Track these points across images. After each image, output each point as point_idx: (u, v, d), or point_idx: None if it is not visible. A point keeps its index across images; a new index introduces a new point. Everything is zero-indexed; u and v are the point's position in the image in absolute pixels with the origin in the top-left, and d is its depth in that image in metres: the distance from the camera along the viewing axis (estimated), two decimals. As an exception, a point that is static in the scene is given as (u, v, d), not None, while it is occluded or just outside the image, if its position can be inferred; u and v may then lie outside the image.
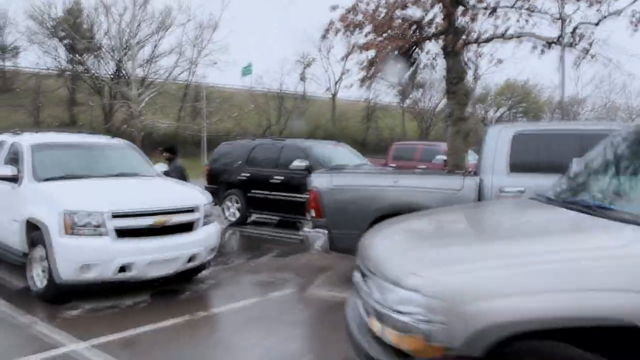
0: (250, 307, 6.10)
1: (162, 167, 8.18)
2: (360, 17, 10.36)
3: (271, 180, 11.29)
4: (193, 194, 6.91)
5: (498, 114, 53.49)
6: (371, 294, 2.90)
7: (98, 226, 5.79)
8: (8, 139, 7.52)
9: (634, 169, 3.27)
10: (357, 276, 3.36)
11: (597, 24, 10.09)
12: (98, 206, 5.84)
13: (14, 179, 6.56)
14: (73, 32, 28.98)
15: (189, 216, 6.46)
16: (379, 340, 2.79)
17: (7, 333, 5.18)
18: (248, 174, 11.82)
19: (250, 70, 47.75)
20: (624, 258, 2.45)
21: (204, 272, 7.22)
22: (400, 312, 2.61)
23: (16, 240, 6.52)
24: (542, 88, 57.52)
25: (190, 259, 6.42)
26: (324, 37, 10.73)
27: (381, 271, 2.88)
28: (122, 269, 5.86)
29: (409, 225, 3.90)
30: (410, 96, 54.30)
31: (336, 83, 53.38)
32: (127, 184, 6.92)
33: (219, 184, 12.22)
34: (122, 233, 5.90)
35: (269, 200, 11.32)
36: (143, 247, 5.98)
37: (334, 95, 53.38)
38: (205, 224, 6.69)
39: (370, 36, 10.62)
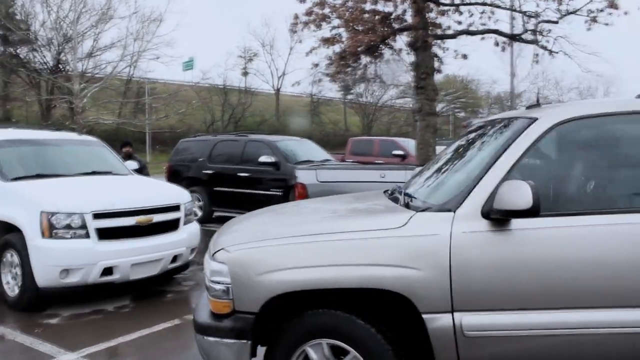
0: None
1: (132, 164, 7.83)
2: (327, 10, 10.23)
3: (236, 177, 11.04)
4: (174, 191, 6.65)
5: (438, 108, 54.54)
6: (205, 270, 3.34)
7: (79, 227, 5.46)
8: (-35, 135, 7.00)
9: (444, 164, 3.80)
10: None
11: (557, 22, 10.35)
12: (78, 206, 5.50)
13: (-20, 179, 6.09)
14: (6, 23, 27.42)
15: (171, 214, 6.20)
16: (210, 310, 3.23)
17: (-14, 345, 4.80)
18: (211, 171, 11.52)
19: (192, 65, 46.90)
20: (379, 239, 2.90)
21: (181, 273, 6.95)
22: (213, 282, 3.09)
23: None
24: (480, 83, 59.27)
25: (173, 260, 6.17)
26: (292, 31, 10.56)
27: (210, 248, 3.34)
28: (105, 271, 5.56)
29: (251, 213, 4.20)
30: (352, 91, 54.82)
31: (279, 78, 53.23)
32: (103, 183, 6.56)
33: (180, 181, 11.82)
34: (104, 234, 5.59)
35: (234, 196, 11.07)
36: (126, 248, 5.69)
37: (278, 90, 53.17)
38: (186, 222, 6.45)
39: (338, 30, 10.54)
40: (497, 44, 10.94)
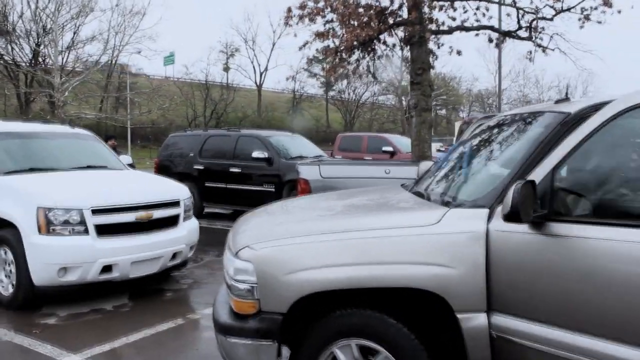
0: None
1: (127, 158, 7.62)
2: (321, 4, 10.09)
3: (228, 172, 10.88)
4: (173, 186, 6.47)
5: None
6: (225, 266, 3.21)
7: (78, 224, 5.25)
8: (-49, 127, 6.73)
9: (468, 159, 3.67)
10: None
11: (551, 19, 10.35)
12: (77, 202, 5.30)
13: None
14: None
15: (171, 210, 6.03)
16: (230, 308, 3.11)
17: (-17, 347, 4.58)
18: (202, 166, 11.34)
19: (173, 60, 46.44)
20: (414, 236, 2.80)
21: (179, 271, 6.78)
22: (237, 281, 2.94)
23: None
24: (461, 81, 59.57)
25: (173, 257, 6.00)
26: (286, 24, 10.40)
27: (231, 245, 3.20)
28: (105, 269, 5.37)
29: (267, 208, 4.10)
30: (334, 87, 54.78)
31: (262, 74, 52.89)
32: (100, 177, 6.36)
33: (169, 177, 11.61)
34: (103, 230, 5.40)
35: (226, 192, 10.91)
36: (126, 246, 5.51)
37: (260, 85, 52.86)
38: (185, 219, 6.28)
39: (332, 24, 10.41)
40: (490, 40, 10.92)
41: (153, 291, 6.20)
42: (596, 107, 2.81)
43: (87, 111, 25.21)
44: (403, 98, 51.80)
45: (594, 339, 2.42)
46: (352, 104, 55.55)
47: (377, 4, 9.96)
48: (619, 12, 10.37)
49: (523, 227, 2.62)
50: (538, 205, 2.58)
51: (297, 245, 2.94)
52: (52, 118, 22.08)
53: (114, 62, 33.34)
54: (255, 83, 53.03)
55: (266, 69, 52.63)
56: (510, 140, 3.43)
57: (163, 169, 11.97)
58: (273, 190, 10.24)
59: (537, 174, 2.66)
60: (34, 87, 28.52)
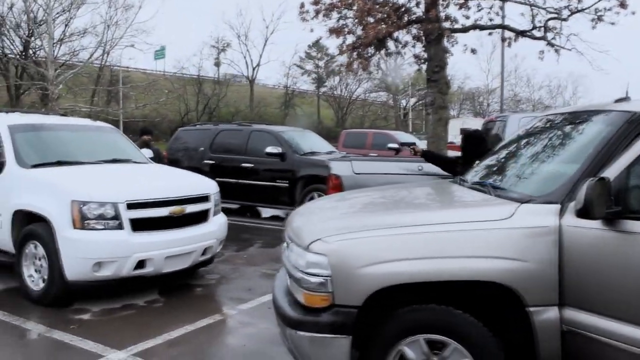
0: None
1: (148, 152, 7.49)
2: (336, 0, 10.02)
3: (240, 167, 10.77)
4: (202, 181, 6.35)
5: (411, 103, 54.38)
6: (290, 259, 3.20)
7: (112, 218, 5.14)
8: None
9: (526, 156, 3.73)
10: (283, 246, 3.59)
11: (566, 19, 10.37)
12: (111, 196, 5.18)
13: (-5, 165, 5.69)
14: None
15: (202, 205, 5.92)
16: (295, 301, 3.08)
17: (27, 342, 4.48)
18: (213, 161, 11.21)
19: (164, 54, 45.99)
20: (487, 230, 2.84)
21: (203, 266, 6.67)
22: (309, 274, 2.91)
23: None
24: (453, 79, 59.62)
25: (203, 252, 5.91)
26: (302, 20, 10.31)
27: (297, 239, 3.19)
28: (139, 264, 5.26)
29: (328, 200, 4.19)
30: (326, 84, 54.67)
31: (254, 69, 52.56)
32: (129, 171, 6.24)
33: (178, 171, 11.53)
34: (137, 225, 5.29)
35: (238, 187, 10.77)
36: (160, 240, 5.40)
37: (252, 80, 52.55)
38: (214, 213, 6.18)
39: (346, 21, 10.35)
40: (503, 39, 10.91)
41: (181, 286, 6.09)
42: None
43: (82, 104, 24.86)
44: (397, 96, 51.86)
45: None
46: (344, 100, 55.40)
47: (395, 0, 9.90)
48: (633, 13, 10.41)
49: (596, 224, 2.68)
50: (612, 202, 2.62)
51: (372, 238, 2.95)
52: (46, 111, 21.76)
53: (106, 55, 32.92)
54: (247, 78, 52.67)
55: (258, 65, 52.24)
56: (571, 137, 3.49)
57: (172, 163, 11.68)
58: (286, 185, 10.17)
59: (611, 171, 2.71)
60: (24, 80, 28.02)
